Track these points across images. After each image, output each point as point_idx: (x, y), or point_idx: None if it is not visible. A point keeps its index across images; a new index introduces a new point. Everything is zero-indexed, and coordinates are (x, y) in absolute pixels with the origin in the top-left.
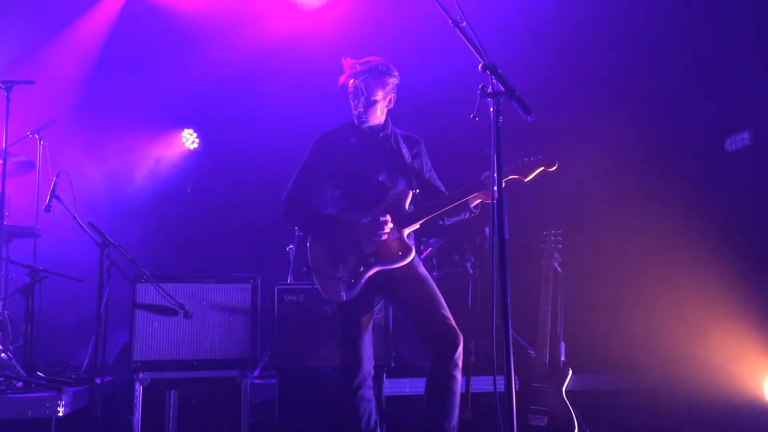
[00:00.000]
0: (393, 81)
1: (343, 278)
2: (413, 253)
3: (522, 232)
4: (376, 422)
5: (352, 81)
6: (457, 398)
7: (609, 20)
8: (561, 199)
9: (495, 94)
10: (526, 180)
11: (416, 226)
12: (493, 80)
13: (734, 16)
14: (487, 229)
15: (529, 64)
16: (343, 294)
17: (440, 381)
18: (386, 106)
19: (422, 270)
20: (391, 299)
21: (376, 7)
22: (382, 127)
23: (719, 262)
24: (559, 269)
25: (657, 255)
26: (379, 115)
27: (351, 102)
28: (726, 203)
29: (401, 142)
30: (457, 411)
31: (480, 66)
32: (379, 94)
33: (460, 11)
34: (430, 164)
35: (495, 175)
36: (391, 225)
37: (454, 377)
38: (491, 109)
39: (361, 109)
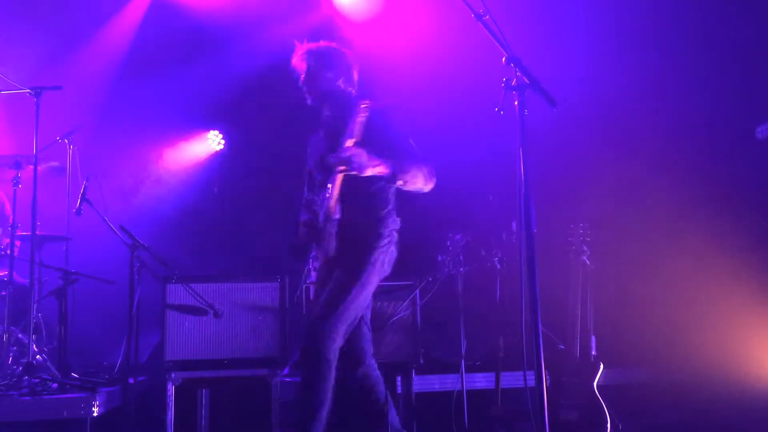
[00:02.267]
0: (337, 59)
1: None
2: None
3: (550, 225)
4: (386, 397)
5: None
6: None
7: (640, 6)
8: (590, 191)
9: (520, 87)
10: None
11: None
12: (517, 73)
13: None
14: (514, 224)
15: (559, 57)
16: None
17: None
18: (344, 86)
19: (345, 270)
20: None
21: (401, 10)
22: (338, 113)
23: (752, 255)
24: (588, 263)
25: (688, 247)
26: (336, 98)
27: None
28: (757, 193)
29: (347, 125)
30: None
31: (504, 59)
32: (326, 75)
33: (483, 5)
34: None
35: (523, 169)
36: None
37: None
38: (516, 102)
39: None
